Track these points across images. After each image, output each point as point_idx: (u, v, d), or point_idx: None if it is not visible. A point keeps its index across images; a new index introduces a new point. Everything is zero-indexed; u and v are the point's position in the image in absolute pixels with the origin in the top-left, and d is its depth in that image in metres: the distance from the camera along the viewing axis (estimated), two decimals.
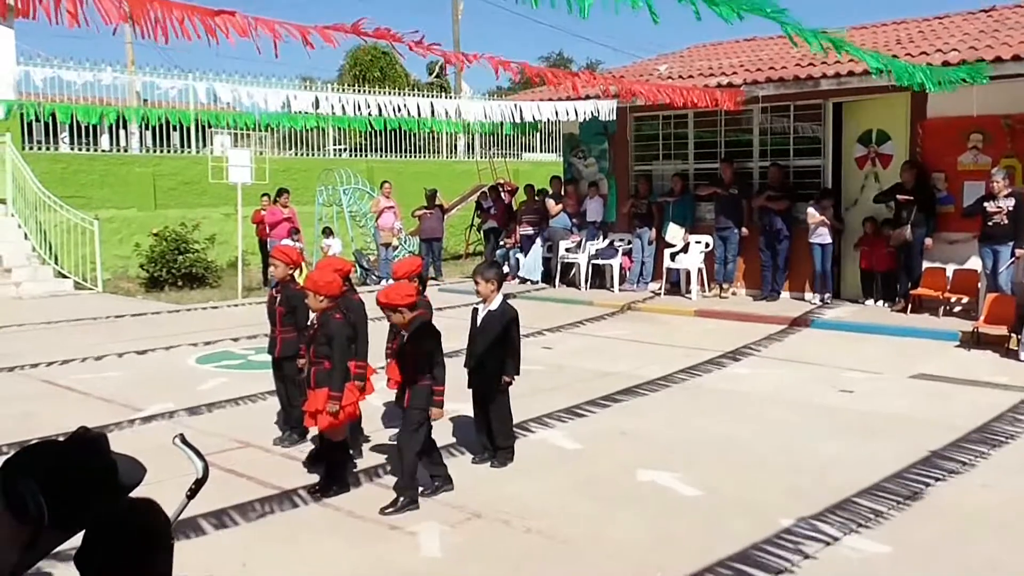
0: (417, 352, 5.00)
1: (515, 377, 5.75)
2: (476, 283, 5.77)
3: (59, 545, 1.74)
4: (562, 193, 14.96)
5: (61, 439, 1.81)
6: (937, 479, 5.32)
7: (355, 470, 5.57)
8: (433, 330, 5.17)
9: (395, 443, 5.18)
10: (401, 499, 4.93)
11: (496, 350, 5.65)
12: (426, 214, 16.25)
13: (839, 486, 5.16)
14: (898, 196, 10.86)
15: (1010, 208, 9.67)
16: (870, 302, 11.60)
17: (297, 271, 6.70)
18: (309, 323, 5.65)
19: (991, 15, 12.89)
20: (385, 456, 5.80)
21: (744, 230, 12.51)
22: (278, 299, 6.27)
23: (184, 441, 2.64)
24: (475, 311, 5.85)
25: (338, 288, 5.32)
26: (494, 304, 5.70)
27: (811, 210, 11.68)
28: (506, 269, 15.46)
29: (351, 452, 5.75)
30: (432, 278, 15.79)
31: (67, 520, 1.70)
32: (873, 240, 11.47)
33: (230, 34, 5.18)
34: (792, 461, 5.76)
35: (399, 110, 11.23)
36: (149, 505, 1.84)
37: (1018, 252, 9.59)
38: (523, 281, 14.99)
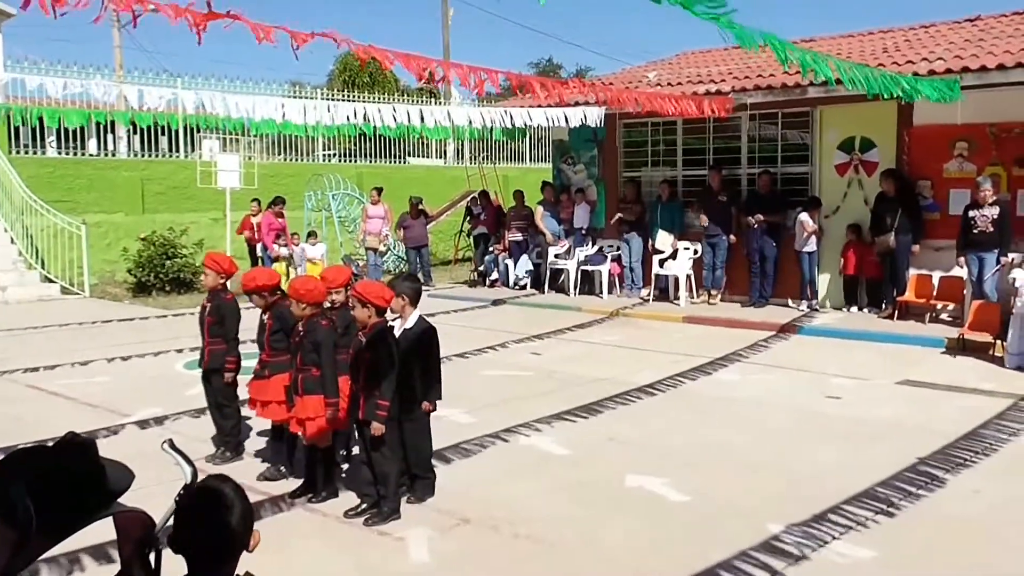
0: (373, 360, 4.83)
1: (437, 404, 5.32)
2: None
3: (48, 550, 1.74)
4: (557, 199, 14.96)
5: (49, 444, 1.80)
6: (925, 485, 5.35)
7: (343, 476, 5.57)
8: (390, 340, 4.93)
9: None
10: (385, 508, 4.90)
11: (412, 372, 5.09)
12: (410, 223, 16.27)
13: (827, 492, 5.18)
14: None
15: (995, 216, 9.74)
16: (853, 309, 11.67)
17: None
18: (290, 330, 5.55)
19: (976, 24, 13.02)
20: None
21: (732, 237, 12.55)
22: (208, 308, 6.01)
23: (172, 446, 2.62)
24: (391, 328, 5.21)
25: (321, 295, 5.28)
26: (409, 322, 5.19)
27: (805, 219, 11.72)
28: (495, 275, 15.49)
29: (343, 455, 5.75)
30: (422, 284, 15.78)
31: (55, 525, 1.69)
32: (858, 246, 11.53)
33: (204, 29, 5.14)
34: (780, 467, 5.78)
35: (394, 120, 11.22)
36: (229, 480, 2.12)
37: (1003, 260, 9.67)
38: (513, 287, 15.01)
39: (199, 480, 2.18)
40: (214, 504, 2.02)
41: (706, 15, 4.89)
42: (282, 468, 5.63)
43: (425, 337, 5.21)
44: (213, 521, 2.00)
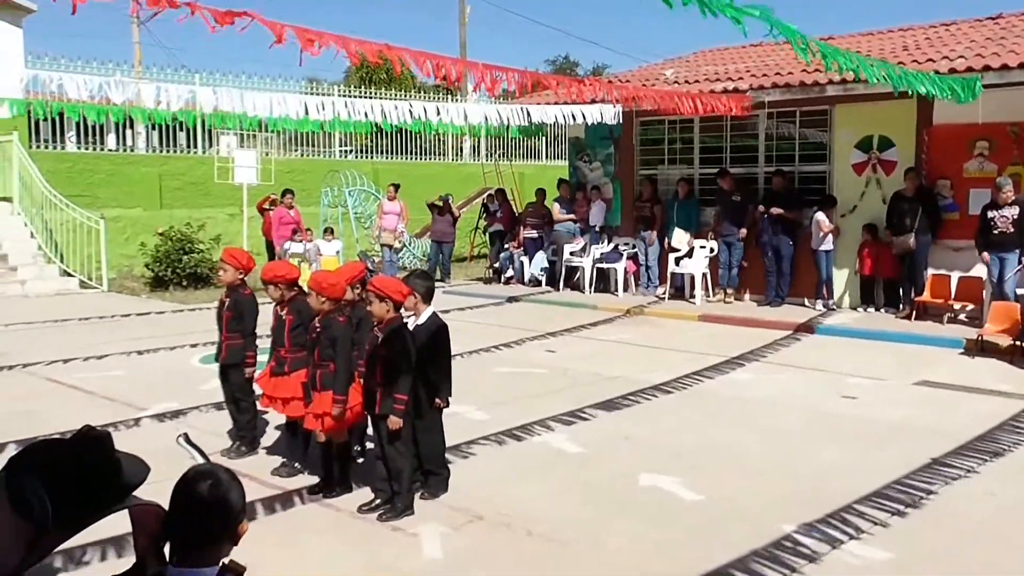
0: (389, 355, 4.84)
1: (448, 400, 5.30)
2: None
3: (63, 543, 1.75)
4: (572, 197, 14.96)
5: (65, 438, 1.82)
6: (939, 486, 5.31)
7: (358, 471, 5.58)
8: (406, 335, 4.95)
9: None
10: (398, 504, 4.92)
11: (424, 368, 5.11)
12: (436, 218, 16.33)
13: (841, 492, 5.15)
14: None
15: (1015, 216, 9.66)
16: (870, 309, 11.59)
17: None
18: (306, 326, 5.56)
19: (998, 23, 12.89)
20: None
21: (743, 231, 12.47)
22: (226, 304, 6.02)
23: (187, 440, 2.64)
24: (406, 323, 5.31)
25: (341, 291, 5.29)
26: (422, 318, 5.22)
27: (821, 218, 11.65)
28: (510, 272, 15.50)
29: (357, 450, 5.76)
30: (439, 279, 15.82)
31: (71, 518, 1.71)
32: (875, 246, 11.46)
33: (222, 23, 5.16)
34: (795, 467, 5.75)
35: (409, 115, 11.23)
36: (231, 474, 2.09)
37: None
38: (528, 284, 15.02)
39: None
40: (207, 488, 2.01)
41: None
42: (296, 464, 5.66)
43: (437, 333, 5.22)
44: (206, 505, 2.00)
